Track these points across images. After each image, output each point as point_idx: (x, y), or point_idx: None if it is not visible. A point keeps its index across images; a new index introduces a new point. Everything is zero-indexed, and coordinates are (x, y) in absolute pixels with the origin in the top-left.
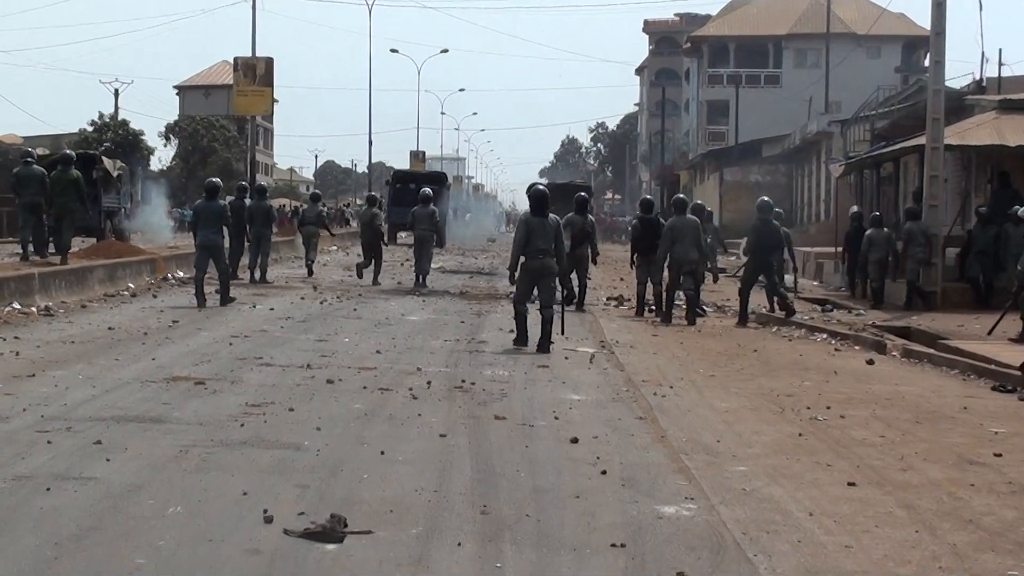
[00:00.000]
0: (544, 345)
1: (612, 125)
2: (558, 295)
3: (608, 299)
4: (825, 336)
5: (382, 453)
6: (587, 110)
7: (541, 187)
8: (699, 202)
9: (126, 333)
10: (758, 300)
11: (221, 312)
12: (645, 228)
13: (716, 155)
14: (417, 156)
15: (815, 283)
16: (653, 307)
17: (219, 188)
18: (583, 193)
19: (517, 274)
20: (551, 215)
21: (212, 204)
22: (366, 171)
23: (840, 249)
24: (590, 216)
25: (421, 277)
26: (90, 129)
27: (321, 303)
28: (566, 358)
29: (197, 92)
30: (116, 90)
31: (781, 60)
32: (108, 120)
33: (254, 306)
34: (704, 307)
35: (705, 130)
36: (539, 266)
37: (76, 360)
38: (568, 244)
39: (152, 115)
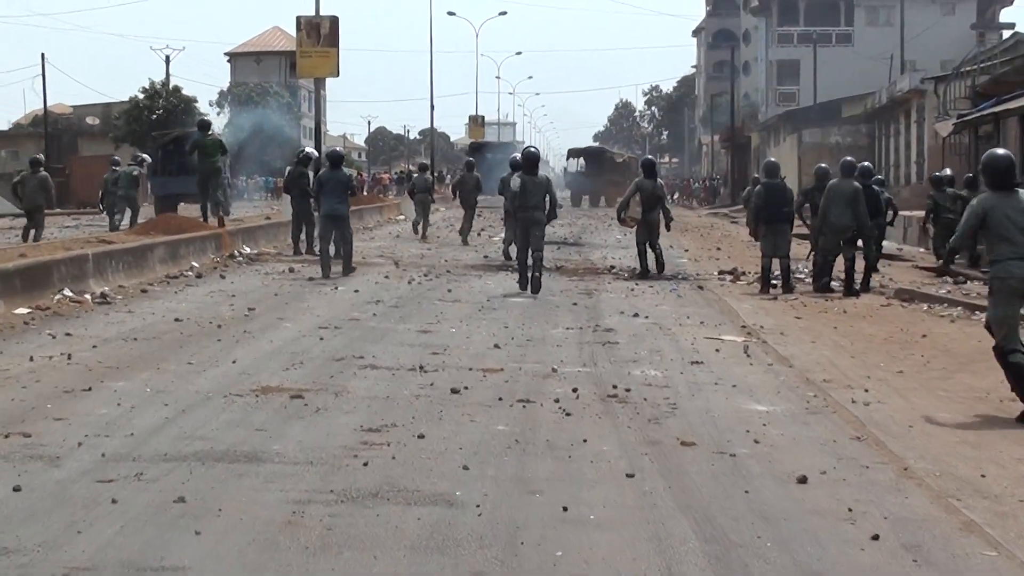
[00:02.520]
0: (536, 284)
1: (667, 88)
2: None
3: (720, 272)
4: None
5: (565, 509)
6: (642, 74)
7: (533, 149)
8: (823, 165)
9: (196, 326)
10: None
11: (300, 295)
12: (771, 194)
13: (792, 116)
14: (476, 121)
15: (921, 250)
16: (775, 282)
17: (342, 157)
18: (651, 157)
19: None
20: (541, 174)
21: (337, 173)
22: (418, 136)
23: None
24: (659, 180)
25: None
26: (141, 96)
27: (409, 282)
28: (717, 350)
29: (248, 58)
30: (167, 56)
31: (852, 18)
32: (160, 87)
33: (336, 288)
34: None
35: (775, 91)
36: (528, 218)
37: (141, 365)
38: (639, 210)
39: (203, 82)
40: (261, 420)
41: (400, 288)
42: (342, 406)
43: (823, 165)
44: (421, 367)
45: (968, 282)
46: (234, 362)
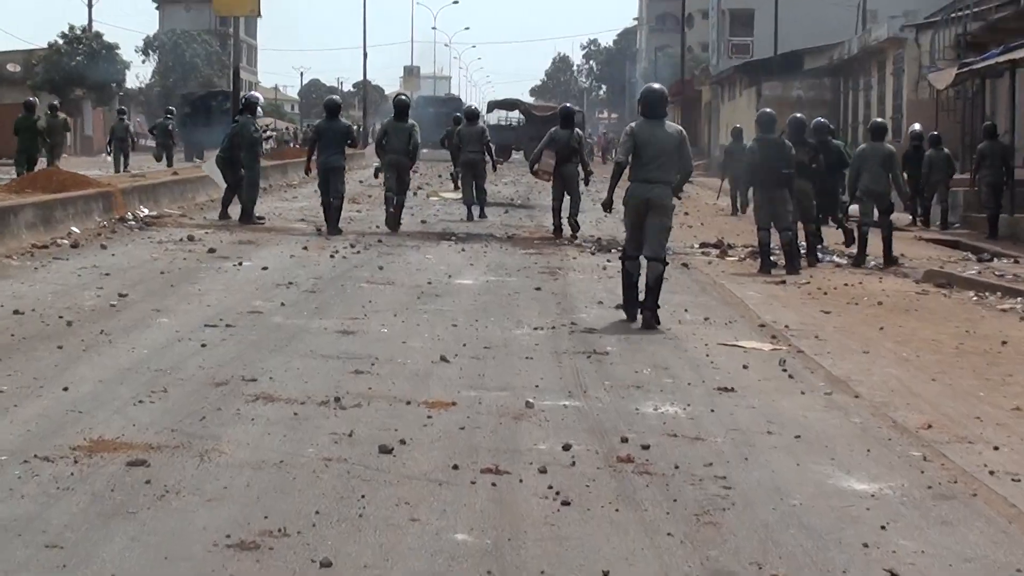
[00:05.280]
0: (482, 211)
1: (606, 42)
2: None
3: (703, 246)
4: None
5: None
6: (581, 25)
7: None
8: (822, 120)
9: (39, 323)
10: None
11: (192, 274)
12: (767, 153)
13: (750, 68)
14: (412, 72)
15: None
16: (774, 258)
17: (340, 106)
18: (568, 105)
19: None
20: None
21: (335, 124)
22: (352, 89)
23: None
24: (577, 131)
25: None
26: (61, 42)
27: (332, 256)
28: (744, 367)
29: (178, 5)
30: (89, 1)
31: None
32: (80, 32)
33: (239, 264)
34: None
35: (727, 42)
36: (468, 160)
37: None
38: (551, 163)
39: (130, 28)
40: (60, 522)
41: (320, 264)
42: (205, 485)
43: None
44: (337, 399)
45: (994, 259)
46: (65, 389)
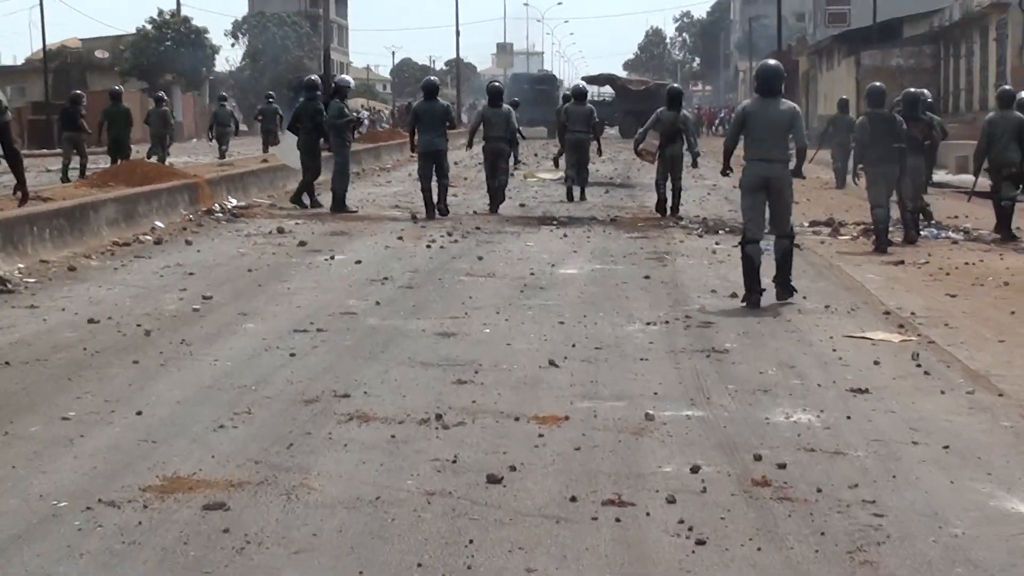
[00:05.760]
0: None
1: (699, 14)
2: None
3: (813, 223)
4: None
5: None
6: None
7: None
8: (912, 91)
9: (115, 333)
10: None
11: (281, 271)
12: (877, 128)
13: (848, 37)
14: (504, 49)
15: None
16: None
17: (438, 87)
18: (676, 86)
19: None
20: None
21: (434, 105)
22: (444, 67)
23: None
24: (684, 111)
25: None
26: (149, 27)
27: (428, 246)
28: (876, 363)
29: None
30: None
31: None
32: (169, 17)
33: (331, 258)
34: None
35: (824, 11)
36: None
37: None
38: (655, 143)
39: (219, 12)
40: None
41: (416, 256)
42: (291, 532)
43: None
44: (439, 416)
45: None
46: (139, 413)
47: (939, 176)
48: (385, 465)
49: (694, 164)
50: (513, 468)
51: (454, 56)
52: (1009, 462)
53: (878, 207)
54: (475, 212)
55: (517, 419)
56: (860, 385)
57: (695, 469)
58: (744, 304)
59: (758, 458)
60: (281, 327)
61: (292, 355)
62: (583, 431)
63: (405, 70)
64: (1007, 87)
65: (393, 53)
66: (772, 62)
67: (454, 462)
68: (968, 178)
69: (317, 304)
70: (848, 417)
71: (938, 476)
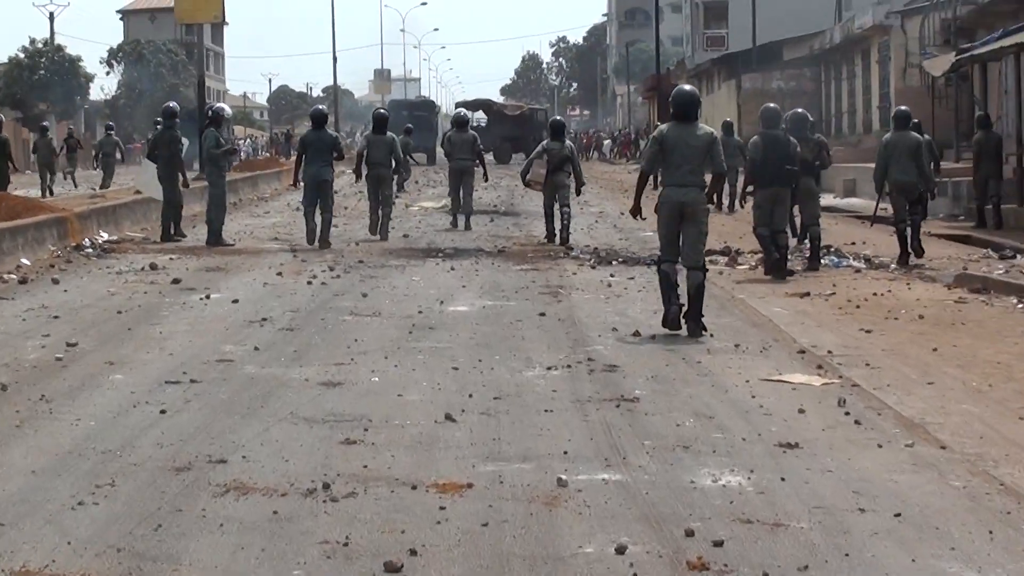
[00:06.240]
0: (467, 223)
1: (575, 39)
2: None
3: (709, 252)
4: None
5: None
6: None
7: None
8: (800, 111)
9: None
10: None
11: (153, 312)
12: (770, 149)
13: (728, 60)
14: (382, 75)
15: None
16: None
17: (326, 116)
18: (559, 119)
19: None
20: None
21: (322, 135)
22: (321, 94)
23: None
24: (568, 143)
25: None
26: (22, 56)
27: (309, 282)
28: (801, 411)
29: (142, 16)
30: (51, 13)
31: None
32: (42, 46)
33: (207, 297)
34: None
35: (703, 35)
36: (458, 168)
37: None
38: (542, 172)
39: (93, 40)
40: None
41: (297, 293)
42: None
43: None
44: (326, 486)
45: (1016, 256)
46: None
47: (827, 200)
48: (267, 551)
49: (578, 192)
50: (413, 552)
51: (331, 83)
52: (972, 533)
53: (762, 226)
54: (357, 243)
55: (414, 487)
56: (788, 439)
57: (621, 549)
58: (663, 324)
59: (690, 533)
60: (151, 378)
61: (163, 412)
62: (489, 501)
63: (282, 97)
64: (903, 108)
65: (270, 80)
66: (687, 87)
67: (346, 545)
68: (856, 201)
69: (191, 350)
70: (782, 479)
71: (896, 553)
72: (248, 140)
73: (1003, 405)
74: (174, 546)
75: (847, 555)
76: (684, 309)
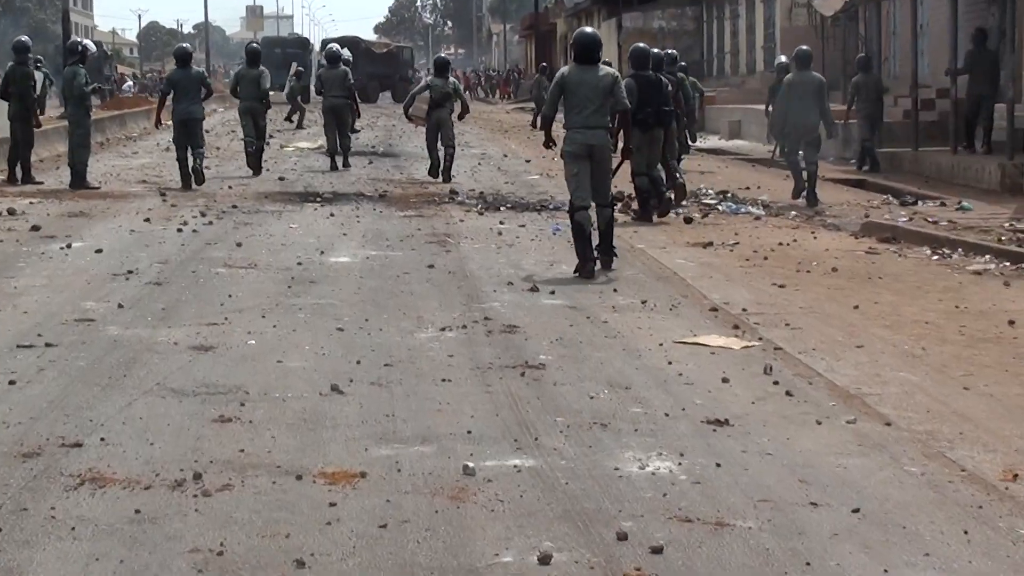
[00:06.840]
0: (346, 161)
1: None
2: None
3: None
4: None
5: None
6: None
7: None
8: (671, 51)
9: None
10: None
11: (6, 266)
12: (644, 90)
13: None
14: (255, 13)
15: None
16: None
17: (190, 55)
18: (442, 55)
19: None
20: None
21: (188, 72)
22: (192, 31)
23: (768, 107)
24: (452, 79)
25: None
26: None
27: (179, 230)
28: (724, 380)
29: None
30: None
31: None
32: None
33: (67, 245)
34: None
35: None
36: (331, 105)
37: None
38: (424, 108)
39: None
40: None
41: (166, 242)
42: None
43: (641, 45)
44: (197, 476)
45: (917, 201)
46: None
47: (712, 142)
48: (126, 563)
49: (460, 117)
50: (301, 563)
51: (202, 19)
52: (944, 533)
53: (639, 175)
54: (230, 186)
55: (299, 477)
56: (716, 414)
57: (545, 559)
58: (577, 274)
59: (623, 537)
60: (1, 342)
61: (11, 383)
62: (386, 495)
63: (152, 33)
64: (804, 47)
65: (139, 16)
66: (589, 30)
67: (220, 555)
68: (743, 143)
69: (48, 308)
70: (718, 464)
71: (863, 560)
72: (133, 80)
73: (943, 373)
74: (16, 558)
75: (808, 564)
76: (596, 245)
